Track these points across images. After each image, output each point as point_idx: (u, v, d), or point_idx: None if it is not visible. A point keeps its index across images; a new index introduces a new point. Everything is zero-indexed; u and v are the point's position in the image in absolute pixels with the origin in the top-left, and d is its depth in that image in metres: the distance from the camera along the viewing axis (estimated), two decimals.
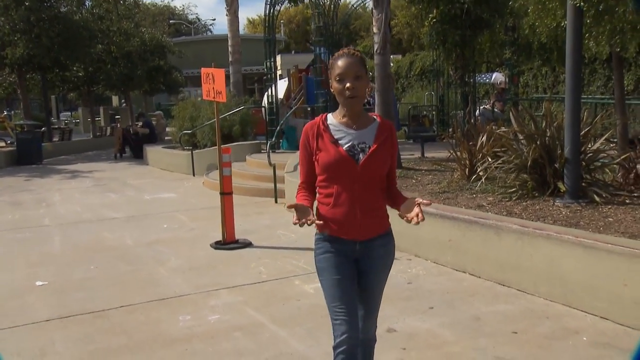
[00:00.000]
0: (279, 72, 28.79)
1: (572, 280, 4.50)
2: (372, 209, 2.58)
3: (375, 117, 2.68)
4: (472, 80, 11.22)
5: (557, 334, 4.06)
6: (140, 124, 18.96)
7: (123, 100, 27.96)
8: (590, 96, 9.98)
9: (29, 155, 17.28)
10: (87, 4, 22.66)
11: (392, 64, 26.88)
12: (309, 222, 2.39)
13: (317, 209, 2.62)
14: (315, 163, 2.58)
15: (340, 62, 2.51)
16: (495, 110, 12.23)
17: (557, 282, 4.61)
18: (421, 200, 2.44)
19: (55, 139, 21.47)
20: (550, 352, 3.81)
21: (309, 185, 2.67)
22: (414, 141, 11.71)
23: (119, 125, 21.93)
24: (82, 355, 4.06)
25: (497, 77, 14.58)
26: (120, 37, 22.87)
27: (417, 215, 2.40)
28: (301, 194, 2.65)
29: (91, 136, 24.92)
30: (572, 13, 5.62)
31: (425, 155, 10.40)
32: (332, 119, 2.63)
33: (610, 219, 5.16)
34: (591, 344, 3.88)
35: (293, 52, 43.64)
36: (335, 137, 2.55)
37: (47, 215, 9.28)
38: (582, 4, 5.50)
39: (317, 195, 2.64)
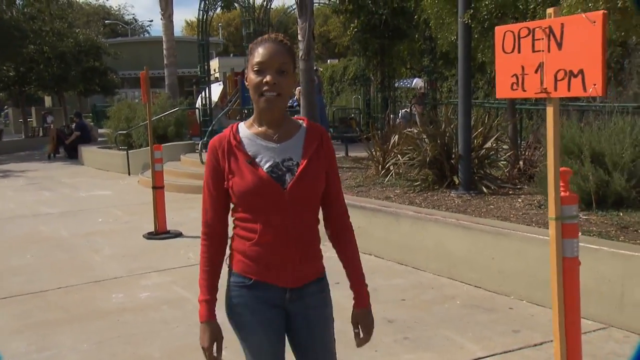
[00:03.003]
0: (216, 75, 29.26)
1: (455, 256, 5.31)
2: (309, 247, 2.02)
3: (301, 121, 2.10)
4: (390, 85, 12.13)
5: (437, 300, 4.85)
6: (74, 125, 18.98)
7: (58, 102, 27.60)
8: (495, 101, 11.01)
9: None
10: (18, 4, 22.39)
11: (327, 69, 27.80)
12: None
13: (232, 245, 2.07)
14: (230, 191, 1.97)
15: (262, 49, 1.94)
16: (414, 113, 13.21)
17: (444, 258, 5.42)
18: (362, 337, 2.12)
19: None
20: (428, 312, 4.58)
21: (218, 231, 2.04)
22: (341, 142, 12.47)
23: (52, 125, 21.80)
24: (22, 328, 4.54)
25: (417, 82, 15.62)
26: (53, 37, 22.72)
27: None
28: (204, 270, 2.05)
29: (23, 137, 24.55)
30: (462, 29, 6.48)
31: (349, 154, 11.17)
32: (245, 129, 2.02)
33: (492, 207, 6.02)
34: (462, 306, 4.68)
35: (231, 55, 44.03)
36: (252, 154, 1.96)
37: None
38: (470, 21, 6.38)
39: (234, 227, 2.04)
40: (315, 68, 13.32)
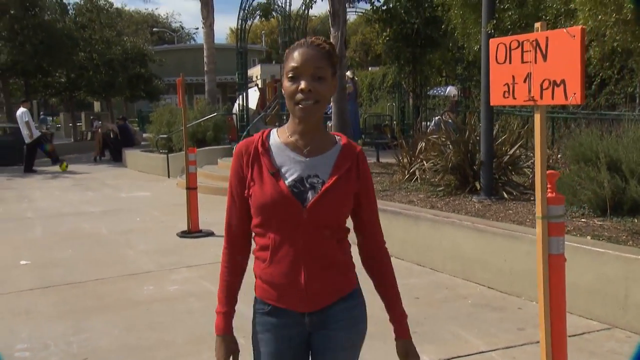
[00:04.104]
0: (258, 81, 29.85)
1: (470, 258, 5.48)
2: (325, 267, 1.86)
3: (338, 137, 1.95)
4: (422, 92, 12.31)
5: (450, 299, 5.03)
6: (114, 125, 19.77)
7: (106, 107, 28.71)
8: (523, 109, 11.05)
9: (11, 157, 17.94)
10: (70, 13, 23.47)
11: (367, 76, 28.03)
12: None
13: (253, 267, 1.96)
14: (249, 200, 1.87)
15: (296, 54, 1.82)
16: (449, 120, 13.27)
17: (459, 260, 5.59)
18: None
19: None
20: (439, 310, 4.77)
21: (241, 240, 1.95)
22: (374, 148, 12.68)
23: (99, 129, 22.71)
24: (60, 313, 4.93)
25: (451, 90, 15.69)
26: (102, 45, 23.69)
27: None
28: (224, 280, 1.96)
29: (72, 140, 25.60)
30: (486, 39, 6.64)
31: (380, 160, 11.38)
32: (277, 137, 1.90)
33: (510, 212, 6.15)
34: (473, 305, 4.86)
35: (273, 62, 44.71)
36: (277, 164, 1.84)
37: (29, 210, 10.09)
38: (493, 31, 6.54)
39: (253, 245, 1.95)
40: (352, 76, 13.61)
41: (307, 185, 1.82)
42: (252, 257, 1.97)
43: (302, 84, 1.78)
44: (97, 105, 39.74)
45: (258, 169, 1.84)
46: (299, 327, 1.88)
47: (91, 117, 27.32)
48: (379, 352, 3.42)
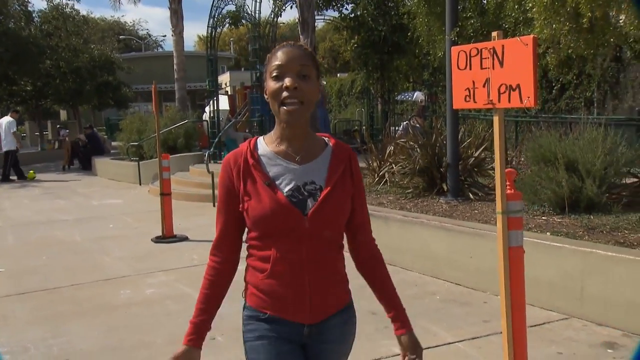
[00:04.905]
0: (227, 89, 29.90)
1: (438, 256, 5.71)
2: (328, 278, 1.84)
3: (326, 138, 1.92)
4: (390, 98, 12.62)
5: (419, 295, 5.25)
6: (82, 135, 19.65)
7: (73, 116, 28.41)
8: (489, 113, 11.44)
9: None
10: (35, 21, 23.21)
11: (335, 83, 28.33)
12: None
13: (245, 277, 1.90)
14: (244, 214, 1.81)
15: (280, 53, 1.78)
16: (416, 125, 13.63)
17: (428, 259, 5.82)
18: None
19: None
20: (409, 306, 4.84)
21: (228, 255, 1.89)
22: None
23: (66, 138, 22.49)
24: (38, 318, 4.99)
25: (418, 95, 16.07)
26: (69, 53, 23.48)
27: None
28: (203, 292, 1.89)
29: (39, 149, 25.26)
30: (449, 46, 6.90)
31: None
32: (265, 146, 1.85)
33: (476, 211, 6.41)
34: (441, 301, 5.08)
35: (242, 69, 44.76)
36: (271, 175, 1.80)
37: None
38: (456, 38, 6.82)
39: (248, 256, 1.88)
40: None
41: (306, 193, 1.78)
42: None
43: (287, 81, 1.72)
44: (63, 114, 39.24)
45: (251, 181, 1.79)
46: (296, 337, 1.84)
47: (57, 126, 27.00)
48: None
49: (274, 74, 1.76)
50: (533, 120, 11.21)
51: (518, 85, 2.96)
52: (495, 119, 3.17)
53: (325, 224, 1.78)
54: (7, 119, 15.88)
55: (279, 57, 1.76)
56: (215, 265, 1.89)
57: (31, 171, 16.37)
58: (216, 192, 10.46)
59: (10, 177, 15.91)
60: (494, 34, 3.09)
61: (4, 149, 15.76)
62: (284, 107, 1.74)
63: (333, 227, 1.81)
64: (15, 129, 15.76)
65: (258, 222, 1.77)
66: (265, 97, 1.81)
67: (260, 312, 1.83)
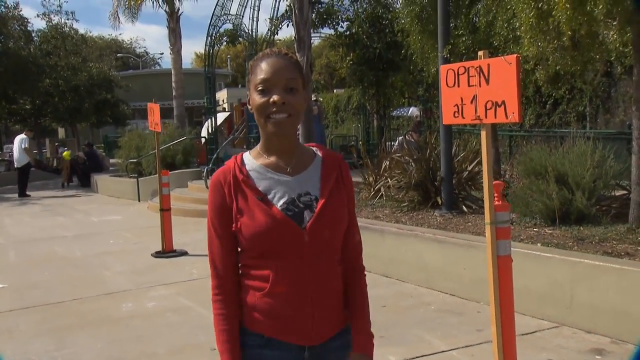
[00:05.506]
0: (224, 105, 30.13)
1: (433, 268, 5.84)
2: (331, 294, 1.76)
3: (314, 148, 1.85)
4: (386, 114, 12.85)
5: (414, 306, 5.38)
6: (81, 153, 19.84)
7: (71, 133, 28.62)
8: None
9: None
10: (35, 40, 23.47)
11: (332, 99, 28.60)
12: None
13: (240, 297, 1.78)
14: (238, 233, 1.72)
15: (265, 65, 1.70)
16: (411, 140, 13.85)
17: (423, 270, 5.95)
18: None
19: (1, 169, 21.98)
20: (404, 316, 5.11)
21: (231, 282, 1.77)
22: None
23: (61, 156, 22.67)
24: (42, 331, 5.11)
25: (414, 111, 16.30)
26: (67, 71, 23.70)
27: None
28: (223, 330, 1.75)
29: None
30: (442, 62, 7.10)
31: None
32: (252, 160, 1.77)
33: (470, 224, 6.56)
34: (436, 311, 5.21)
35: (239, 86, 45.12)
36: (263, 189, 1.71)
37: (0, 235, 10.12)
38: (448, 55, 7.02)
39: (242, 275, 1.78)
40: (315, 99, 14.06)
41: (302, 205, 1.70)
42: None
43: (275, 97, 1.65)
44: (61, 132, 39.43)
45: (242, 198, 1.70)
46: None
47: (56, 144, 27.16)
48: None
49: (260, 88, 1.68)
50: (526, 135, 11.40)
51: (503, 102, 3.12)
52: (483, 134, 3.33)
53: (324, 235, 1.70)
54: (21, 136, 16.50)
55: (264, 70, 1.68)
56: (222, 297, 1.77)
57: (68, 151, 16.85)
58: None
59: (27, 193, 16.24)
60: (480, 53, 3.27)
61: (17, 165, 16.24)
62: (271, 119, 1.68)
63: (332, 237, 1.73)
64: (26, 145, 16.22)
65: (253, 240, 1.68)
66: (249, 108, 1.74)
67: (258, 335, 1.73)
